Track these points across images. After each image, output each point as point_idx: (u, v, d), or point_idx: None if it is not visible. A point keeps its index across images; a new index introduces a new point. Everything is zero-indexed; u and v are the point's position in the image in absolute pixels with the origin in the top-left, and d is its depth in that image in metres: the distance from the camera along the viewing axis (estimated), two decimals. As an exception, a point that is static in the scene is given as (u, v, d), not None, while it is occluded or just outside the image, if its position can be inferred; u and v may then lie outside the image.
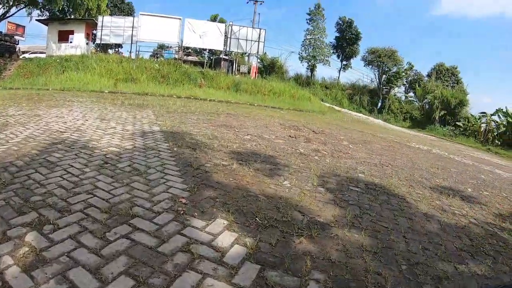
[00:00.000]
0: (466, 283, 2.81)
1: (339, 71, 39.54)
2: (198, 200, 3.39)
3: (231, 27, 27.26)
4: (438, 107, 29.52)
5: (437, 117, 29.61)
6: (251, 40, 27.24)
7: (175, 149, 5.35)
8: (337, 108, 28.36)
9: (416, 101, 35.08)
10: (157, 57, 32.79)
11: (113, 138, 5.88)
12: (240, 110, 13.75)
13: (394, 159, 8.21)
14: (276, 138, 7.74)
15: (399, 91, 37.93)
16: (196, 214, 3.06)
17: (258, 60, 32.30)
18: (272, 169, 4.86)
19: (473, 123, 27.49)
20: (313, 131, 10.06)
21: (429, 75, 37.80)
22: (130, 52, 27.21)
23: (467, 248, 3.60)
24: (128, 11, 42.82)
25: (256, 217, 3.13)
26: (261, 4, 37.95)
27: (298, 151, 6.64)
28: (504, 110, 25.85)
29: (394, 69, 35.28)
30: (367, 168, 6.40)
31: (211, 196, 3.52)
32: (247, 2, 38.57)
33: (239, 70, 29.48)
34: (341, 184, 4.80)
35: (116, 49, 38.65)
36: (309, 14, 37.42)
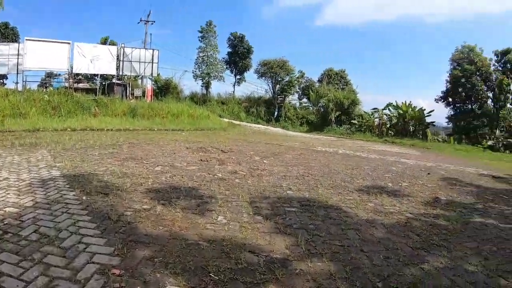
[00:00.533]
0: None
1: (234, 85, 41.22)
2: (134, 265, 2.81)
3: (123, 49, 26.58)
4: (332, 109, 32.62)
5: (333, 118, 32.65)
6: (145, 62, 27.07)
7: (84, 198, 4.55)
8: (236, 122, 28.94)
9: (311, 106, 38.10)
10: (46, 87, 29.60)
11: (8, 193, 4.78)
12: (142, 137, 12.93)
13: (310, 167, 8.49)
14: (188, 164, 7.35)
15: (293, 98, 41.20)
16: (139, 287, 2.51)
17: (153, 82, 31.81)
18: (199, 204, 4.47)
19: (367, 119, 31.14)
20: (222, 150, 9.94)
21: (320, 80, 41.98)
22: (17, 83, 24.11)
23: (419, 244, 3.80)
24: (13, 37, 37.91)
25: (210, 272, 2.73)
26: (152, 24, 37.43)
27: (216, 176, 6.37)
28: (394, 104, 30.08)
29: (287, 78, 38.13)
30: (291, 182, 6.47)
31: (147, 256, 2.98)
32: (138, 23, 37.64)
33: (134, 94, 28.51)
34: (276, 207, 4.67)
35: (1, 81, 33.87)
36: (201, 32, 38.55)
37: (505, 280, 3.11)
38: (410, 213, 5.08)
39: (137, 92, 28.91)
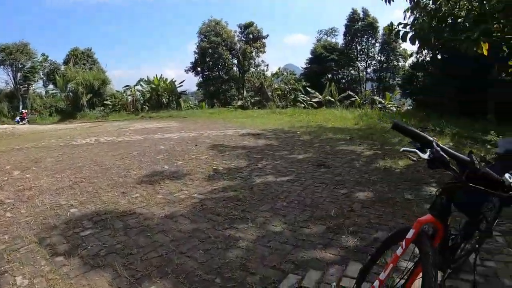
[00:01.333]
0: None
1: (-36, 81, 33.07)
2: None
3: None
4: (83, 92, 30.55)
5: (84, 103, 30.72)
6: None
7: None
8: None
9: (59, 92, 34.60)
10: None
11: None
12: None
13: (79, 169, 7.66)
14: None
15: (38, 86, 37.32)
16: None
17: None
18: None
19: (120, 98, 30.55)
20: (-30, 173, 7.79)
21: (66, 63, 38.31)
22: None
23: (226, 224, 4.08)
24: None
25: None
26: None
27: (-20, 216, 4.95)
28: (146, 79, 30.90)
29: (29, 64, 34.56)
30: (68, 196, 5.66)
31: None
32: None
33: None
34: (69, 236, 4.03)
35: None
36: None
37: (307, 228, 3.79)
38: (200, 194, 5.36)
39: None
